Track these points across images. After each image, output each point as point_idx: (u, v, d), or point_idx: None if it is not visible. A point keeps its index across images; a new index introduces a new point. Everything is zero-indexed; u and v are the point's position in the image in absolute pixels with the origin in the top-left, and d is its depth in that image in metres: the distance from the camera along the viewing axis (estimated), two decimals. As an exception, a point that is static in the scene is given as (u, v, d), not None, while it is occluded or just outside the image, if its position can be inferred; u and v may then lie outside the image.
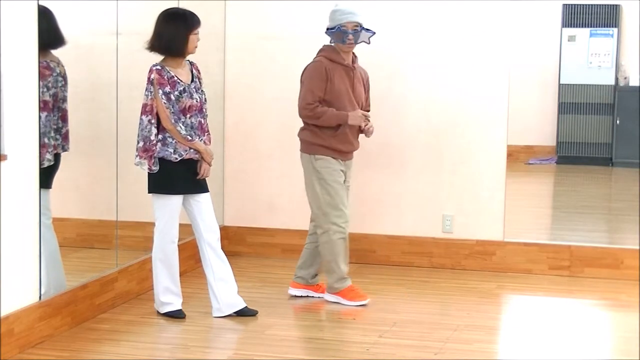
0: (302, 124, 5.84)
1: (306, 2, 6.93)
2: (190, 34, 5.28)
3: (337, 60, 5.74)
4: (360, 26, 5.72)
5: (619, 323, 5.70)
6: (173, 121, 5.27)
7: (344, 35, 5.68)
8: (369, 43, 5.82)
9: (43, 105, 4.93)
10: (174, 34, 5.26)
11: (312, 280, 5.99)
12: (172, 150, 5.29)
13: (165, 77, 5.26)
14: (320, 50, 5.84)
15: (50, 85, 5.14)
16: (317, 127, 5.74)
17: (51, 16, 5.24)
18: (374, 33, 5.81)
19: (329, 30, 5.73)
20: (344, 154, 5.80)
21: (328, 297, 5.88)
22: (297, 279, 5.99)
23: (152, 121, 5.25)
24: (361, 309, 5.74)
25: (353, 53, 5.85)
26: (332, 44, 5.79)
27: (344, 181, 5.85)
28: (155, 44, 5.29)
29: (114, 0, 5.75)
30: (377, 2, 6.79)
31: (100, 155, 5.94)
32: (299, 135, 5.85)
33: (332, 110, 5.68)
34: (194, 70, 5.45)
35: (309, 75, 5.73)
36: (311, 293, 5.98)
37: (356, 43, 5.74)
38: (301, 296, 5.96)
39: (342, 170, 5.80)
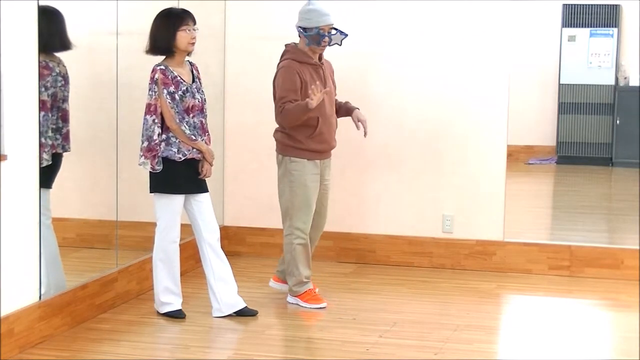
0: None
1: (306, 2, 6.92)
2: (178, 31, 5.27)
3: (305, 60, 5.67)
4: (334, 28, 5.69)
5: (619, 323, 5.70)
6: (178, 121, 5.27)
7: (320, 37, 5.63)
8: (340, 45, 5.77)
9: (41, 105, 4.93)
10: (161, 32, 5.27)
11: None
12: (175, 150, 5.30)
13: (169, 77, 5.27)
14: (285, 52, 5.77)
15: (48, 85, 5.13)
16: (293, 129, 5.67)
17: (61, 19, 5.24)
18: (347, 35, 5.76)
19: (305, 31, 5.64)
20: (320, 153, 5.76)
21: (289, 299, 5.85)
22: (277, 273, 6.01)
23: (156, 121, 5.25)
24: (361, 309, 5.74)
25: None
26: (296, 43, 5.73)
27: (323, 180, 5.82)
28: (149, 46, 5.31)
29: (114, 0, 5.75)
30: (377, 2, 6.79)
31: (100, 155, 5.94)
32: (274, 135, 5.81)
33: (292, 106, 5.55)
34: (194, 71, 5.46)
35: (281, 80, 5.64)
36: (286, 288, 5.97)
37: (329, 45, 5.71)
38: (280, 289, 5.96)
39: (317, 173, 5.74)
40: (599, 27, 12.45)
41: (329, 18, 5.65)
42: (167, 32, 5.27)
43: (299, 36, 5.72)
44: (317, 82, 5.53)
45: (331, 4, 6.40)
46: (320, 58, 5.77)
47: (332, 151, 7.01)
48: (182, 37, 5.29)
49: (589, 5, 12.45)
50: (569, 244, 6.76)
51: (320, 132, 5.68)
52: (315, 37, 5.63)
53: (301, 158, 5.69)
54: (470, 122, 6.73)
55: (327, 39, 5.65)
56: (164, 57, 5.34)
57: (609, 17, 12.44)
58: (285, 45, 5.79)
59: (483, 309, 5.84)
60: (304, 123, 5.65)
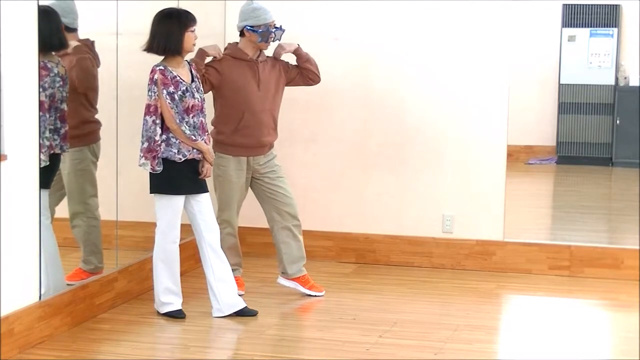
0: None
1: (306, 2, 6.93)
2: (186, 32, 5.28)
3: (241, 57, 5.81)
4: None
5: (619, 323, 5.70)
6: (178, 121, 5.27)
7: (268, 34, 5.80)
8: (280, 40, 5.95)
9: (39, 106, 4.93)
10: (168, 32, 5.26)
11: (292, 273, 6.00)
12: (176, 151, 5.30)
13: (169, 77, 5.26)
14: (224, 49, 5.93)
15: (46, 85, 5.13)
16: (220, 123, 5.80)
17: (56, 17, 5.24)
18: (285, 30, 5.91)
19: (254, 29, 5.77)
20: (249, 149, 5.83)
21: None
22: (282, 275, 6.08)
23: (157, 121, 5.25)
24: (361, 309, 5.74)
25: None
26: (237, 42, 5.86)
27: (263, 175, 5.89)
28: (152, 45, 5.30)
29: (114, 0, 5.75)
30: (377, 2, 6.79)
31: (100, 155, 5.94)
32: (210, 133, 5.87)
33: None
34: (192, 71, 5.46)
35: None
36: (298, 287, 6.01)
37: (273, 41, 5.89)
38: (288, 287, 6.02)
39: (242, 169, 5.84)
40: (599, 27, 12.45)
41: (272, 14, 5.85)
42: (172, 33, 5.26)
43: (243, 35, 5.83)
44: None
45: (332, 4, 6.43)
46: (259, 56, 5.88)
47: (334, 151, 7.02)
48: (189, 38, 5.30)
49: (589, 5, 12.45)
50: (569, 244, 6.76)
51: (245, 125, 5.79)
52: (265, 33, 5.79)
53: (226, 154, 5.81)
54: (470, 122, 6.73)
55: (273, 34, 5.83)
56: (163, 56, 5.34)
57: (609, 17, 12.44)
58: (227, 44, 5.92)
59: (483, 309, 5.84)
60: (230, 116, 5.79)
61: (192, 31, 5.32)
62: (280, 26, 5.88)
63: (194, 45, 5.36)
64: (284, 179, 5.99)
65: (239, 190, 5.90)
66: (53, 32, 5.20)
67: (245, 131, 5.79)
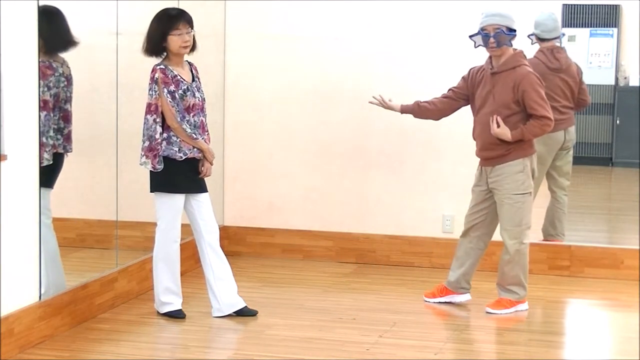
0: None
1: (306, 2, 6.93)
2: (169, 34, 5.26)
3: (484, 66, 5.82)
4: (500, 29, 5.74)
5: (619, 323, 5.70)
6: (178, 120, 5.28)
7: (486, 39, 5.71)
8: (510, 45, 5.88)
9: (43, 105, 4.94)
10: (153, 34, 5.28)
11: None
12: (176, 149, 5.30)
13: (169, 76, 5.27)
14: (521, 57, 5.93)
15: (51, 85, 5.14)
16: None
17: (62, 18, 5.24)
18: (514, 36, 5.87)
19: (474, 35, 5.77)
20: (481, 160, 5.83)
21: (500, 311, 5.79)
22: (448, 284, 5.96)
23: (157, 120, 5.25)
24: (361, 309, 5.74)
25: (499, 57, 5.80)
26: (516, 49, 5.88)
27: (490, 189, 5.82)
28: (143, 47, 5.32)
29: (114, 0, 5.75)
30: (377, 2, 6.79)
31: (100, 155, 5.95)
32: (513, 138, 5.64)
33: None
34: (193, 70, 5.46)
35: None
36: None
37: (498, 47, 5.74)
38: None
39: (479, 180, 5.86)
40: (599, 27, 12.45)
41: (490, 19, 5.77)
42: (159, 35, 5.27)
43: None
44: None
45: (332, 4, 6.43)
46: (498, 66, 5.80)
47: (334, 151, 7.03)
48: (173, 40, 5.28)
49: (589, 5, 12.45)
50: (569, 244, 6.76)
51: (476, 136, 5.82)
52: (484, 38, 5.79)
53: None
54: (470, 122, 6.71)
55: (492, 39, 5.77)
56: (159, 57, 5.33)
57: (609, 17, 12.44)
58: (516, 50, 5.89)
59: (483, 309, 5.83)
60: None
61: (177, 34, 5.29)
62: (502, 31, 5.82)
63: (183, 47, 5.31)
64: (505, 202, 5.71)
65: (475, 197, 5.86)
66: (56, 32, 5.19)
67: (477, 142, 5.82)
